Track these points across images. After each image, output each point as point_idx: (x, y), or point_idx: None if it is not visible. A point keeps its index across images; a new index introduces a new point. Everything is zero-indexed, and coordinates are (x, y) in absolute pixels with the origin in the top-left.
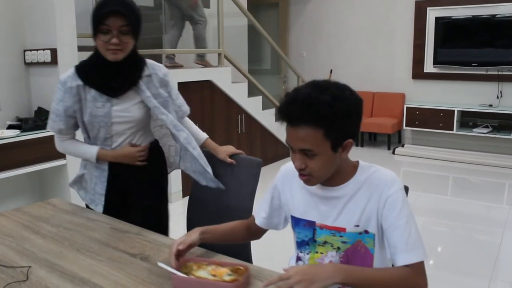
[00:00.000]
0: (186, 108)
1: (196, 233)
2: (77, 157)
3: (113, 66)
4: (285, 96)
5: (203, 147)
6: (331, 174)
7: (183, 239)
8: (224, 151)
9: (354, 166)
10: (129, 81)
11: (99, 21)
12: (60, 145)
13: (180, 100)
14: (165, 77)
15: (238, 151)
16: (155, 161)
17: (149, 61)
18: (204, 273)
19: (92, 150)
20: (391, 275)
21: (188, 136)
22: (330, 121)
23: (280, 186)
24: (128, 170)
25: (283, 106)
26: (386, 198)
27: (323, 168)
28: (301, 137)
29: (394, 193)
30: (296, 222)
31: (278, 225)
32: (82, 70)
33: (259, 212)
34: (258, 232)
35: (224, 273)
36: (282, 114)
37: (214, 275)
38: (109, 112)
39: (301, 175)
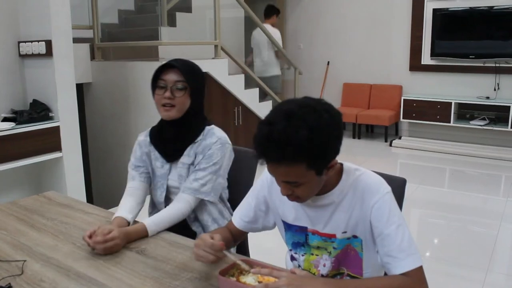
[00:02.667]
0: (202, 190)
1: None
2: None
3: (170, 131)
4: (259, 130)
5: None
6: None
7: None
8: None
9: (338, 171)
10: (178, 146)
11: (157, 75)
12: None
13: (202, 179)
14: (208, 145)
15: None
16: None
17: (210, 127)
18: (251, 279)
19: (117, 213)
20: (388, 285)
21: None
22: (311, 155)
23: (267, 193)
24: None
25: (258, 145)
26: (372, 206)
27: (310, 191)
28: (282, 173)
29: (379, 200)
30: (288, 227)
31: (262, 229)
32: (152, 130)
33: (241, 217)
34: (240, 237)
35: (272, 281)
36: (259, 154)
37: (260, 282)
38: (166, 173)
39: (289, 198)
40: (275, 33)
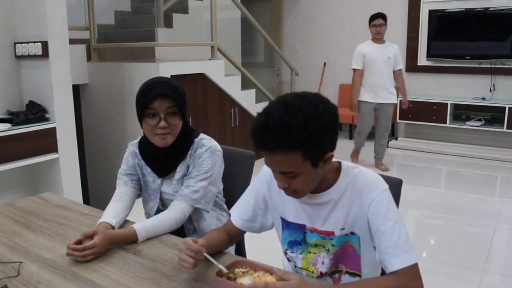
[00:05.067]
0: (193, 197)
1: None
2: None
3: (160, 151)
4: (256, 119)
5: None
6: None
7: (196, 241)
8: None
9: (337, 169)
10: (169, 162)
11: (145, 105)
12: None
13: (193, 186)
14: (199, 155)
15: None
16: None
17: (198, 139)
18: (247, 280)
19: (102, 218)
20: (383, 285)
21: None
22: (307, 143)
23: (266, 191)
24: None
25: (255, 133)
26: (369, 203)
27: (307, 184)
28: (279, 162)
29: (376, 197)
30: (287, 225)
31: (261, 229)
32: (141, 143)
33: (240, 215)
34: (237, 236)
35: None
36: (256, 141)
37: None
38: (158, 188)
39: (285, 192)
40: (358, 50)
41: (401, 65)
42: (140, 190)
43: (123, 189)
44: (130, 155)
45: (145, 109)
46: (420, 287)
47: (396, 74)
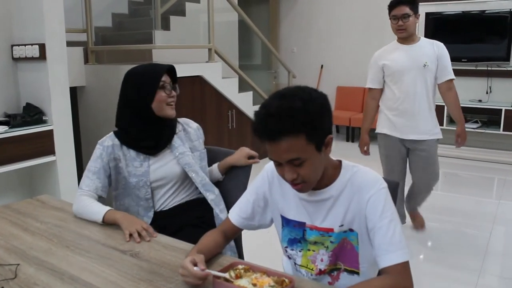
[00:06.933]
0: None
1: (195, 253)
2: (85, 218)
3: (155, 127)
4: (256, 115)
5: (221, 170)
6: None
7: (195, 259)
8: (241, 156)
9: (337, 167)
10: (164, 139)
11: (159, 78)
12: (76, 200)
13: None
14: (198, 129)
15: (252, 152)
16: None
17: (181, 119)
18: (245, 281)
19: (101, 210)
20: (380, 285)
21: (216, 198)
22: (309, 124)
23: (267, 189)
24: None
25: (257, 124)
26: (368, 199)
27: (315, 171)
28: (285, 149)
29: (374, 194)
30: (287, 222)
31: (258, 227)
32: (119, 132)
33: (238, 213)
34: (233, 235)
35: (266, 284)
36: (260, 132)
37: (254, 285)
38: (147, 171)
39: (294, 184)
40: (374, 60)
41: (451, 74)
42: (102, 194)
43: (91, 189)
44: (105, 152)
45: (159, 82)
46: (410, 285)
47: (444, 89)
